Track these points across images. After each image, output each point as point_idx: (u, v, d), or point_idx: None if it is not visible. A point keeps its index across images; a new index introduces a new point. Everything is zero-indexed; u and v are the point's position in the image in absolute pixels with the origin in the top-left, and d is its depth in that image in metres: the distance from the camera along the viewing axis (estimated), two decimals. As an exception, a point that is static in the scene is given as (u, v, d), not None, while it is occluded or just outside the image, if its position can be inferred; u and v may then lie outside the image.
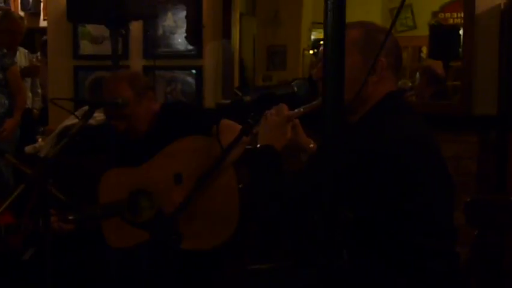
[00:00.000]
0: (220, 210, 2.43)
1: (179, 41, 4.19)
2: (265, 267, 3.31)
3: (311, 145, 2.12)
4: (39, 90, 5.47)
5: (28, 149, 4.12)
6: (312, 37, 9.16)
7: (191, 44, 4.15)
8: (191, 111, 2.71)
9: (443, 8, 10.52)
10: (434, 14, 10.70)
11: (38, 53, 5.61)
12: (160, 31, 4.19)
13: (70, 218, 2.36)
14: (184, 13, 4.14)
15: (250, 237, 2.94)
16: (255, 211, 1.80)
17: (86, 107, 4.03)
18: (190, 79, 4.12)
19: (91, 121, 4.03)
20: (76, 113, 3.98)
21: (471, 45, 3.38)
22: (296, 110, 1.97)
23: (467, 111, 3.39)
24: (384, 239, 1.66)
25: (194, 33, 4.11)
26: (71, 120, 4.11)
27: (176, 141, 2.57)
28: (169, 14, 4.18)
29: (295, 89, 1.80)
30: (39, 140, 4.32)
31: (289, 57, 7.84)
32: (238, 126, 2.59)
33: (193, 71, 4.15)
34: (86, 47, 4.39)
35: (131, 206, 2.54)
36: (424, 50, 11.04)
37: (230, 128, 2.55)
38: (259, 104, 1.78)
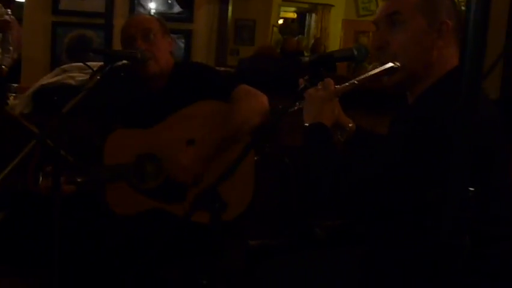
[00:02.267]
0: (236, 182, 2.26)
1: (169, 2, 3.97)
2: (264, 243, 3.20)
3: (350, 124, 1.98)
4: (11, 48, 5.13)
5: (0, 106, 3.84)
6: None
7: (182, 7, 3.93)
8: (208, 73, 2.49)
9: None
10: None
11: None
12: (150, -10, 3.96)
13: (79, 180, 2.15)
14: (176, -27, 3.93)
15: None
16: (312, 192, 1.65)
17: (63, 66, 3.85)
18: (180, 43, 3.92)
19: (71, 81, 3.82)
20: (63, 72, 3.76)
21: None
22: (347, 83, 1.81)
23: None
24: None
25: (186, -5, 3.91)
26: (48, 80, 3.85)
27: (191, 105, 2.38)
28: (160, -27, 3.96)
29: (355, 52, 1.66)
30: (11, 98, 4.03)
31: (258, 32, 7.68)
32: (258, 92, 2.43)
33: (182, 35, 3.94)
34: (67, 3, 4.10)
35: (138, 170, 2.35)
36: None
37: (250, 93, 2.39)
38: (316, 66, 1.63)
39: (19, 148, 1.98)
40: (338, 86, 1.81)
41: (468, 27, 1.04)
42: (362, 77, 1.77)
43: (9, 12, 5.04)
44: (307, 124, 1.74)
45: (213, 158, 2.31)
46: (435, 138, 1.46)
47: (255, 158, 2.37)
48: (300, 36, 10.08)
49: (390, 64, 1.66)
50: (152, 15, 2.54)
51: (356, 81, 1.78)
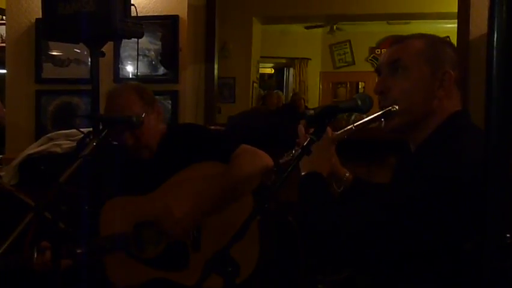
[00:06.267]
0: (242, 243, 2.18)
1: (153, 64, 3.95)
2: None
3: (347, 174, 1.97)
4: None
5: (-15, 179, 3.74)
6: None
7: (166, 68, 3.92)
8: (204, 136, 2.43)
9: (379, 44, 10.80)
10: (371, 50, 10.96)
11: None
12: (133, 53, 3.93)
13: (79, 251, 2.07)
14: (159, 35, 3.92)
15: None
16: (313, 241, 1.61)
17: (49, 135, 3.78)
18: (166, 104, 3.88)
19: (57, 149, 3.75)
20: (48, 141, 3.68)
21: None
22: (344, 129, 1.80)
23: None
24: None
25: (169, 57, 3.89)
26: (34, 149, 3.79)
27: (188, 168, 2.32)
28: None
29: (359, 102, 1.64)
30: (-4, 170, 3.94)
31: (239, 89, 7.71)
32: (260, 151, 2.38)
33: (168, 96, 3.90)
34: (50, 71, 4.07)
35: (137, 239, 2.27)
36: (361, 85, 11.30)
37: (250, 152, 2.35)
38: (322, 118, 1.60)
39: (15, 222, 1.90)
40: (335, 133, 1.80)
41: (491, 75, 1.02)
42: (359, 122, 1.76)
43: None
44: (303, 173, 1.72)
45: (208, 212, 2.25)
46: (441, 187, 1.44)
47: (258, 218, 2.31)
48: (277, 91, 10.17)
49: (388, 108, 1.65)
50: (131, 87, 2.44)
51: (353, 127, 1.77)
